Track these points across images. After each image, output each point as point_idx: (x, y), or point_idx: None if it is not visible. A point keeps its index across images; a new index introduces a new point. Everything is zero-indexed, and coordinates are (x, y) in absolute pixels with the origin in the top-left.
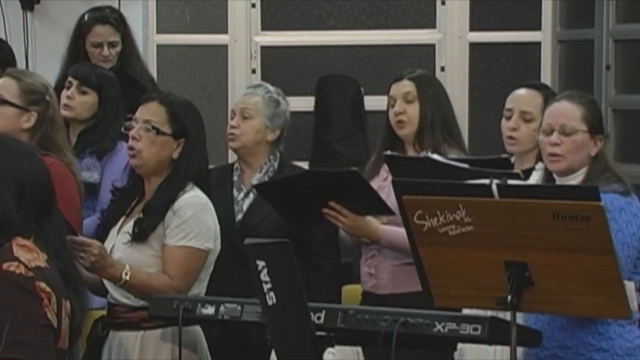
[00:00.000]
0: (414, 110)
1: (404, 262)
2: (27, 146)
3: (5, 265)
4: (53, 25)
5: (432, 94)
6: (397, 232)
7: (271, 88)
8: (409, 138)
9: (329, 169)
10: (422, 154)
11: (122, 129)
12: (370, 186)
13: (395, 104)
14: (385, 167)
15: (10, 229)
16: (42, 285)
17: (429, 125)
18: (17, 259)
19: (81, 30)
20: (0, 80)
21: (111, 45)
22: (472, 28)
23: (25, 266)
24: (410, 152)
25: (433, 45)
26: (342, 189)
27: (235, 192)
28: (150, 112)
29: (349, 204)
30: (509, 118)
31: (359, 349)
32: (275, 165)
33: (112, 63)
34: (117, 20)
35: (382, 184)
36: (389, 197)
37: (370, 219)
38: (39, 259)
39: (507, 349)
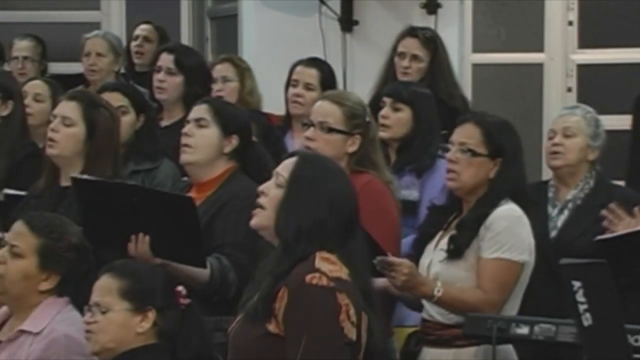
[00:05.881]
0: None
1: None
2: (337, 165)
3: (308, 278)
4: (371, 46)
5: None
6: None
7: (589, 108)
8: None
9: None
10: None
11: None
12: None
13: None
14: None
15: (316, 240)
16: (342, 296)
17: None
18: (318, 270)
19: (393, 47)
20: (324, 107)
21: (414, 58)
22: None
23: (327, 276)
24: None
25: None
26: None
27: (549, 208)
28: (466, 134)
29: None
30: None
31: None
32: (592, 183)
33: (412, 77)
34: (426, 37)
35: None
36: None
37: None
38: (341, 271)
39: None
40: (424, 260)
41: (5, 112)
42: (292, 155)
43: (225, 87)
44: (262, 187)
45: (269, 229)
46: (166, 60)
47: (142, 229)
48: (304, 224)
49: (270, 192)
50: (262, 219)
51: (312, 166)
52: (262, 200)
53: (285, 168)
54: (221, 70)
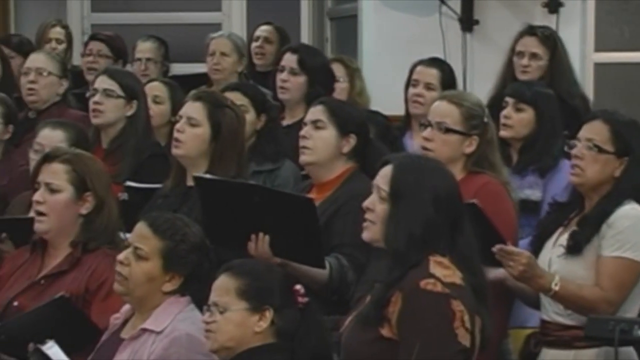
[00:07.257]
0: None
1: None
2: (438, 163)
3: (422, 283)
4: (491, 46)
5: None
6: None
7: None
8: None
9: None
10: None
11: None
12: None
13: None
14: None
15: (428, 244)
16: (457, 302)
17: None
18: (432, 276)
19: (512, 46)
20: (442, 107)
21: (533, 56)
22: None
23: (441, 282)
24: None
25: None
26: None
27: None
28: (593, 131)
29: None
30: None
31: None
32: None
33: (532, 76)
34: (544, 36)
35: None
36: None
37: None
38: (455, 276)
39: None
40: (543, 257)
41: (129, 112)
42: (386, 162)
43: (335, 88)
44: (367, 203)
45: (381, 241)
46: (290, 60)
47: (262, 228)
48: (415, 230)
49: (376, 207)
50: (373, 232)
51: (409, 171)
52: (369, 216)
53: (383, 180)
54: None
